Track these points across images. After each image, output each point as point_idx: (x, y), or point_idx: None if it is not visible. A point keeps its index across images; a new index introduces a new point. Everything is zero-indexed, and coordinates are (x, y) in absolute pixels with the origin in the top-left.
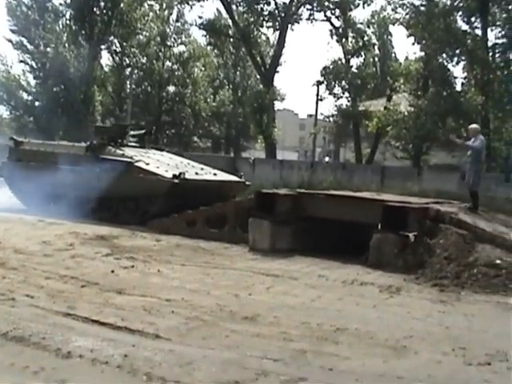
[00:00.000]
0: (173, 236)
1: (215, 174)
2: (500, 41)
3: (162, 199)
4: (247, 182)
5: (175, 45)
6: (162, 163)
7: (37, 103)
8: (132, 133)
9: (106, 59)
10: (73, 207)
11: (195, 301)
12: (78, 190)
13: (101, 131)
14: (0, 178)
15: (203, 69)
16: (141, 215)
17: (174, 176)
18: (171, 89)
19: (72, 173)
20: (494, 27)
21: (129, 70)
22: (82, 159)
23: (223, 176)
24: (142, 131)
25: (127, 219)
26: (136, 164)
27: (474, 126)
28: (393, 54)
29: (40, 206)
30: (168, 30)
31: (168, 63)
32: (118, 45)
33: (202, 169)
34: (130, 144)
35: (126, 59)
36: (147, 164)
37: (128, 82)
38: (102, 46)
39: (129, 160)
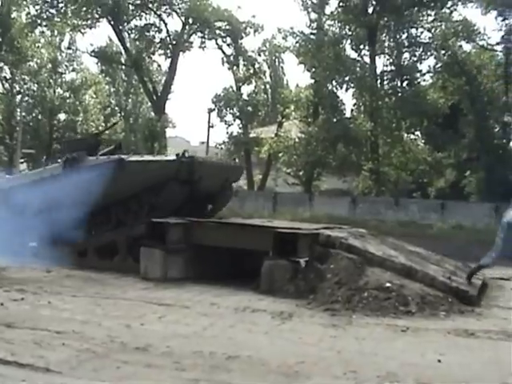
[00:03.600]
0: (63, 267)
1: None
2: (388, 68)
3: (168, 187)
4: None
5: (67, 72)
6: None
7: None
8: (102, 151)
9: None
10: (58, 238)
11: (86, 332)
12: (63, 211)
13: (74, 145)
14: None
15: (95, 96)
16: (147, 213)
17: (178, 155)
18: (62, 116)
19: (54, 194)
20: (381, 55)
21: (19, 97)
22: (62, 177)
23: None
24: (112, 147)
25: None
26: (130, 159)
27: None
28: (284, 81)
29: (17, 250)
30: (59, 57)
31: (59, 90)
32: (7, 71)
33: None
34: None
35: (17, 86)
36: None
37: (18, 110)
38: None
39: (120, 157)
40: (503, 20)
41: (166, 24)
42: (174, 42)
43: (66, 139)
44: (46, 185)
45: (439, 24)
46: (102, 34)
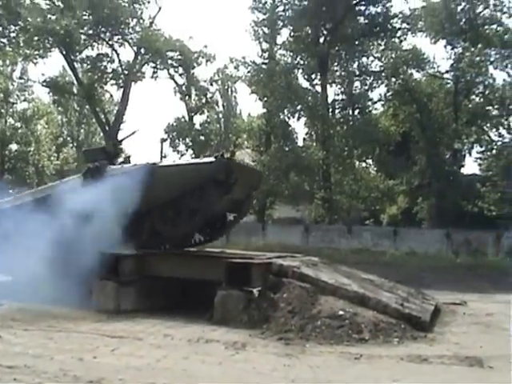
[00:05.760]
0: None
1: None
2: (339, 97)
3: (207, 189)
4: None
5: (18, 102)
6: None
7: None
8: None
9: None
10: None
11: (39, 366)
12: (86, 226)
13: (93, 154)
14: None
15: (47, 126)
16: (189, 217)
17: (217, 156)
18: (14, 147)
19: (73, 208)
20: (333, 84)
21: None
22: (83, 188)
23: None
24: (125, 157)
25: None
26: (161, 164)
27: None
28: (237, 111)
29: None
30: (11, 86)
31: (11, 120)
32: None
33: None
34: None
35: None
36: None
37: None
38: None
39: (150, 163)
40: (452, 49)
41: (118, 54)
42: (126, 72)
43: (85, 148)
44: (65, 198)
45: (389, 53)
46: (54, 63)
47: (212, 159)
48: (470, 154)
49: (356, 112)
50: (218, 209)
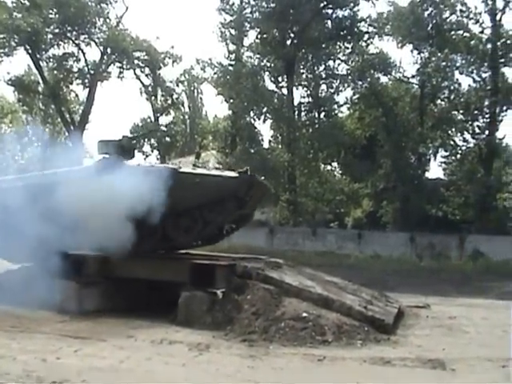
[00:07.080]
0: None
1: None
2: (305, 100)
3: (227, 204)
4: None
5: None
6: None
7: None
8: None
9: None
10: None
11: (1, 367)
12: (95, 221)
13: (108, 146)
14: None
15: (11, 125)
16: (202, 227)
17: (240, 173)
18: None
19: (82, 200)
20: (299, 86)
21: None
22: (96, 181)
23: None
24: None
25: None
26: (183, 170)
27: None
28: (203, 112)
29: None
30: None
31: None
32: None
33: None
34: None
35: None
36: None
37: None
38: None
39: (171, 167)
40: (418, 53)
41: (84, 53)
42: (92, 72)
43: (101, 139)
44: (72, 189)
45: (356, 56)
46: (19, 62)
47: (236, 174)
48: (435, 159)
49: (322, 115)
50: (227, 221)
